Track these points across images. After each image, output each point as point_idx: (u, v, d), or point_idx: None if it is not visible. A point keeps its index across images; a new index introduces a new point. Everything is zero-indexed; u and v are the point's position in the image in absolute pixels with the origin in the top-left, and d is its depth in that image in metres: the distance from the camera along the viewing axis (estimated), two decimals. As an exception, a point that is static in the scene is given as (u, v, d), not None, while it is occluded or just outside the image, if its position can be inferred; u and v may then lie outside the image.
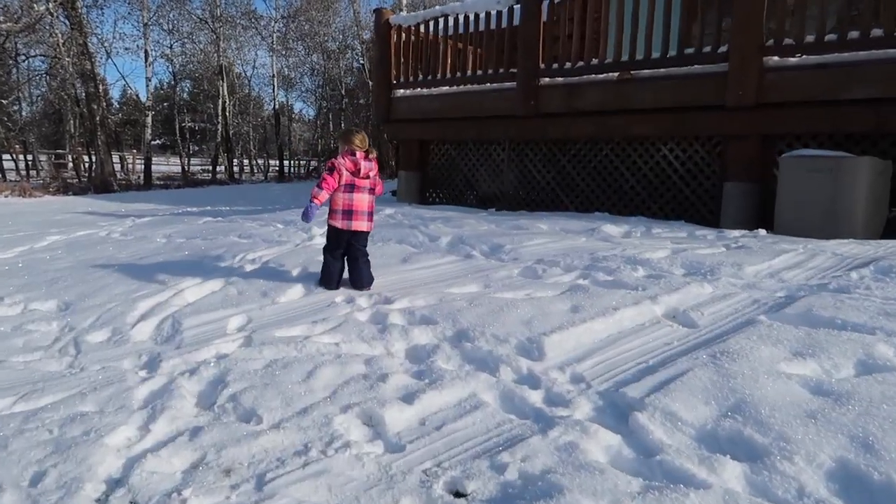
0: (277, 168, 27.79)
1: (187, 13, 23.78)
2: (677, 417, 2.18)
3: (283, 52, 28.98)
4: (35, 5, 19.51)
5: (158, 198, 16.31)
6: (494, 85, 7.59)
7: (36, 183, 19.55)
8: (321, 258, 4.39)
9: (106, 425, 2.51)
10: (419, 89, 8.43)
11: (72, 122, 25.21)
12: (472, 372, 2.73)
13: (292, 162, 32.37)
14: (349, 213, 4.03)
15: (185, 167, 27.99)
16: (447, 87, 8.13)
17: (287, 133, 27.70)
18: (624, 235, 5.19)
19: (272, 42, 25.59)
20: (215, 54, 24.84)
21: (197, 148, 38.38)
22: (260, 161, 36.50)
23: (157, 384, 2.95)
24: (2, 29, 20.23)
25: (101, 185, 18.25)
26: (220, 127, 25.72)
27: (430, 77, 8.24)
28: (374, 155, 4.07)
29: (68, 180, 20.69)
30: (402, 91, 8.61)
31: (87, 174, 22.22)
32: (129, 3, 22.22)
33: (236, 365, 3.00)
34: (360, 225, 4.08)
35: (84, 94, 19.89)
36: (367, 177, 4.00)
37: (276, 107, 25.92)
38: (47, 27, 20.62)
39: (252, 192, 17.46)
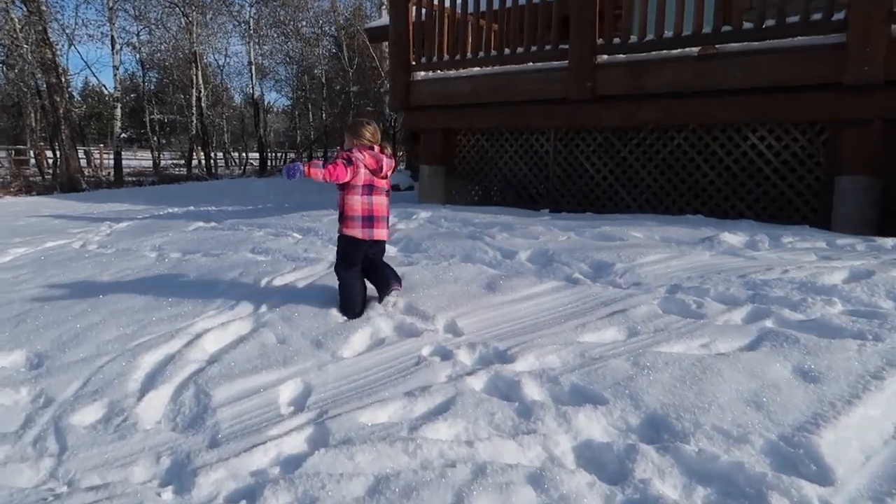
0: (257, 162, 26.29)
1: (156, -4, 22.17)
2: None
3: (258, 40, 27.49)
4: (-12, -12, 17.84)
5: (132, 196, 14.92)
6: (539, 64, 6.50)
7: (-5, 182, 17.95)
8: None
9: None
10: (445, 71, 7.31)
11: (33, 115, 23.49)
12: (726, 507, 1.67)
13: (269, 154, 30.89)
14: (370, 220, 3.35)
15: (157, 162, 26.38)
16: (478, 69, 7.02)
17: (264, 125, 26.24)
18: (748, 246, 4.17)
19: (248, 28, 24.06)
20: (187, 41, 23.26)
21: (165, 142, 36.56)
22: (234, 154, 34.91)
23: (199, 525, 1.86)
24: (-49, 14, 18.52)
25: (67, 183, 16.75)
26: (194, 119, 24.16)
27: (458, 57, 7.12)
28: (389, 150, 3.48)
29: (31, 178, 19.08)
30: (423, 74, 7.48)
31: (51, 171, 20.63)
32: (92, -14, 20.55)
33: (322, 489, 1.91)
34: (382, 233, 3.44)
35: (45, 86, 18.26)
36: (386, 176, 3.41)
37: (255, 96, 24.42)
38: (1, 13, 18.93)
39: (234, 189, 16.12)
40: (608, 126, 6.30)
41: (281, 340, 3.13)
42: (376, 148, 3.35)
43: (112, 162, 25.76)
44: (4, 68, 23.24)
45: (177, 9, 22.47)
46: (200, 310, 3.74)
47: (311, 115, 29.05)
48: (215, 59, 29.38)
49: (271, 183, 18.55)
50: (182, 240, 6.36)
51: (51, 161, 22.83)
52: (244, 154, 30.40)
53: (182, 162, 32.34)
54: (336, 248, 3.50)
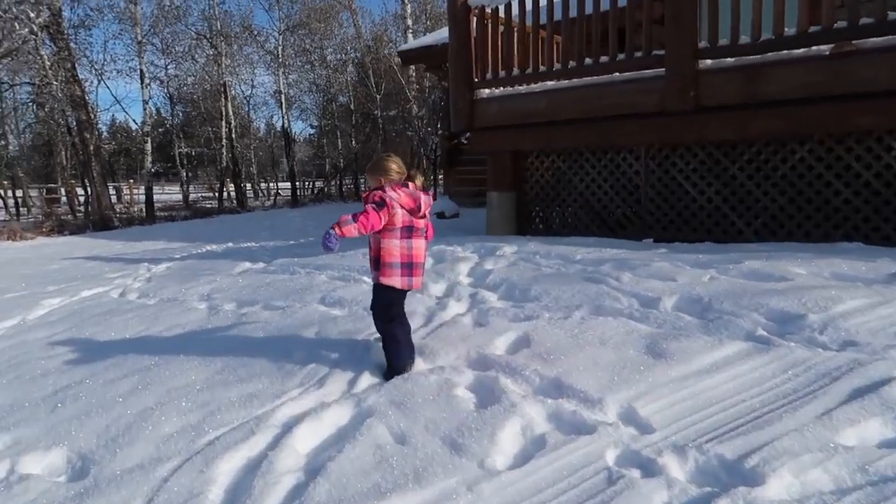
0: (286, 192, 25.77)
1: (184, 28, 21.94)
2: None
3: (284, 69, 27.32)
4: (17, 27, 17.68)
5: (167, 233, 14.39)
6: (628, 74, 5.73)
7: (27, 222, 17.62)
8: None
9: None
10: (515, 87, 6.57)
11: (63, 153, 23.33)
12: None
13: (298, 184, 30.51)
14: (409, 267, 2.94)
15: (187, 196, 26.06)
16: (552, 83, 6.28)
17: (293, 155, 25.79)
18: (955, 283, 3.32)
19: (278, 56, 23.73)
20: (216, 72, 22.98)
21: (191, 174, 36.49)
22: (262, 185, 34.63)
23: None
24: (-18, 55, 18.44)
25: (100, 221, 16.31)
26: (224, 150, 23.79)
27: (530, 70, 6.38)
28: (420, 180, 3.04)
29: (62, 217, 18.74)
30: (489, 91, 6.75)
31: (82, 209, 20.30)
32: (119, 21, 20.37)
33: None
34: (420, 281, 3.03)
35: (75, 123, 17.97)
36: (425, 215, 2.99)
37: (285, 125, 24.03)
38: (32, 51, 18.79)
39: (270, 221, 15.54)
40: (713, 140, 5.49)
41: (400, 439, 2.35)
42: (411, 185, 2.96)
43: (141, 197, 25.52)
44: (35, 107, 23.25)
45: (205, 40, 22.22)
46: (279, 388, 2.99)
47: (339, 143, 28.58)
48: (241, 91, 29.14)
49: (306, 214, 17.98)
50: (233, 286, 5.65)
51: (81, 199, 22.61)
52: (273, 185, 30.03)
53: (210, 194, 32.17)
54: (373, 299, 3.06)
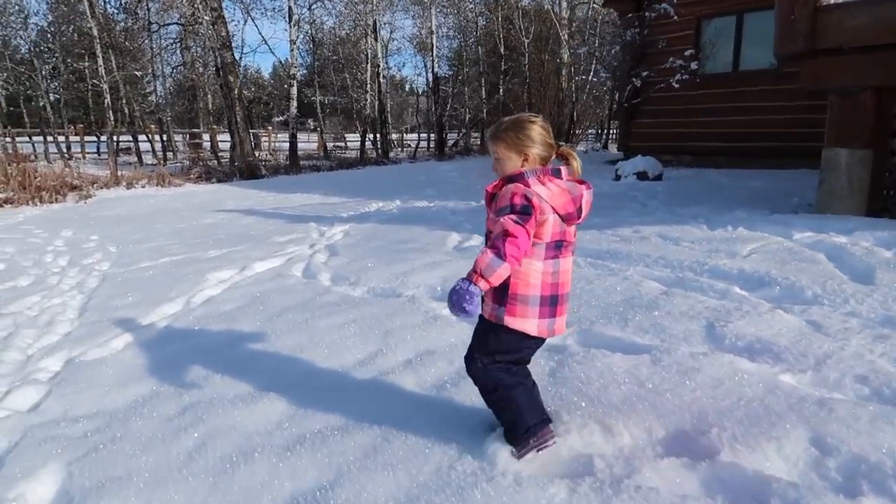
0: (436, 144, 23.91)
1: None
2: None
3: (422, 14, 25.46)
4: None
5: (317, 184, 13.02)
6: None
7: (174, 167, 16.96)
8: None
9: None
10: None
11: (209, 97, 22.78)
12: None
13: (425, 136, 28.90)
14: (553, 303, 1.82)
15: (325, 145, 25.04)
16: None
17: (441, 103, 23.81)
18: None
19: (429, -7, 21.71)
20: (364, 11, 21.34)
21: (325, 123, 35.73)
22: (395, 136, 33.33)
23: None
24: (132, -8, 17.77)
25: (246, 169, 15.25)
26: (369, 98, 22.29)
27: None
28: (578, 164, 1.84)
29: (208, 162, 18.00)
30: (845, -7, 4.42)
31: (225, 155, 19.61)
32: (267, -44, 19.04)
33: None
34: (564, 323, 1.89)
35: (220, 65, 16.93)
36: (580, 222, 1.88)
37: (434, 69, 22.09)
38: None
39: (427, 177, 13.76)
40: None
41: None
42: (564, 171, 1.77)
43: (282, 145, 24.76)
44: (181, 49, 22.77)
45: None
46: None
47: (483, 92, 26.38)
48: (382, 36, 27.54)
49: (459, 168, 16.15)
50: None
51: (222, 145, 22.08)
52: (419, 136, 28.51)
53: (342, 144, 31.14)
54: (481, 344, 1.87)
